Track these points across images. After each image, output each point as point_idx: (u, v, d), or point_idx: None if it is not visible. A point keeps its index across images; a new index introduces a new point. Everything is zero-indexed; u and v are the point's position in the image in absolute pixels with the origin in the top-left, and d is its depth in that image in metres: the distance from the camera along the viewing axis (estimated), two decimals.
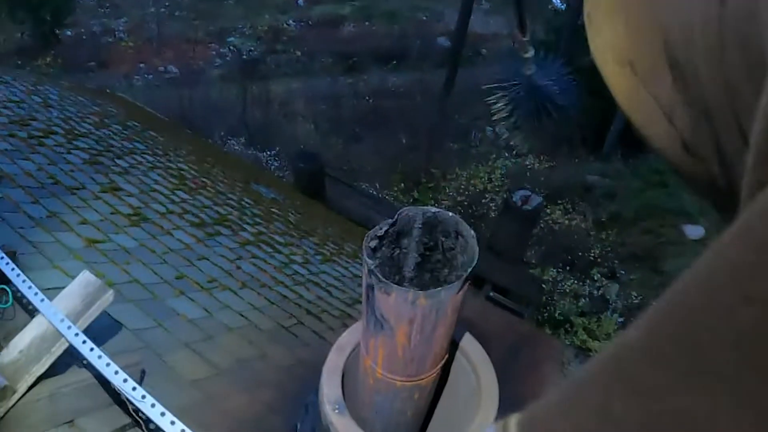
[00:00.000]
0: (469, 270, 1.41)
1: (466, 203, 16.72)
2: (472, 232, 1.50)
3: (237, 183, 8.57)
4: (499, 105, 1.40)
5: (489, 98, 1.40)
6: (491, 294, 12.01)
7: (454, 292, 1.40)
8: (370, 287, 1.43)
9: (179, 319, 4.00)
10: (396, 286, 1.36)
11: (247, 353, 3.96)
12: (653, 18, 0.59)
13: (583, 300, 14.12)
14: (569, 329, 12.83)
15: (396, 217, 1.54)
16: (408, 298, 1.37)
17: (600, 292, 14.49)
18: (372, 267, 1.40)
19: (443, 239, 1.56)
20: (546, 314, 13.07)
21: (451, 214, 1.54)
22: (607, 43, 0.66)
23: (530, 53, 1.51)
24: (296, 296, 5.23)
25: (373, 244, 1.52)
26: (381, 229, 1.53)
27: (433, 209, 1.54)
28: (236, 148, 18.37)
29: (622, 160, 18.40)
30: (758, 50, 0.44)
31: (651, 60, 0.60)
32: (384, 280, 1.37)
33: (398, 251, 1.61)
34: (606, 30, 0.67)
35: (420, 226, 1.55)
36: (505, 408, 5.03)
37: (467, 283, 1.43)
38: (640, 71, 0.62)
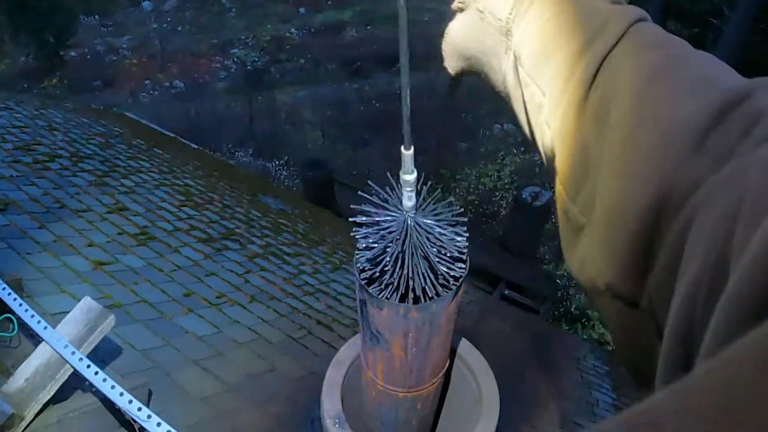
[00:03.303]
0: (460, 281, 1.41)
1: (476, 202, 16.66)
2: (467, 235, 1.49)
3: (244, 196, 8.57)
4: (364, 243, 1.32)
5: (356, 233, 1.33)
6: (506, 292, 11.97)
7: (446, 303, 1.39)
8: (363, 302, 1.43)
9: (188, 337, 4.00)
10: (387, 300, 1.36)
11: (256, 367, 3.96)
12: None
13: None
14: (586, 323, 12.73)
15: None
16: (400, 312, 1.36)
17: None
18: (362, 283, 1.40)
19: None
20: (562, 309, 12.98)
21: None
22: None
23: (411, 177, 1.37)
24: (306, 307, 5.22)
25: (363, 258, 1.51)
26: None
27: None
28: (244, 159, 18.35)
29: None
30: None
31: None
32: (375, 295, 1.37)
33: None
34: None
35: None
36: (519, 406, 5.02)
37: (459, 293, 1.43)
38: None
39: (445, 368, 1.71)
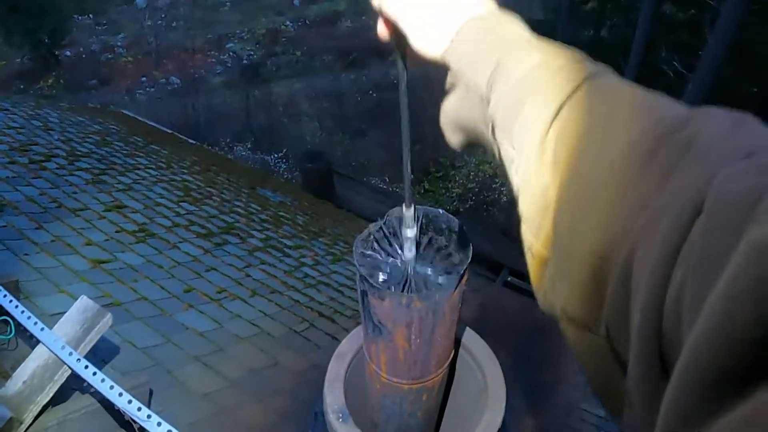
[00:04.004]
0: (464, 268, 1.37)
1: (476, 190, 16.66)
2: (464, 227, 1.46)
3: (243, 189, 8.54)
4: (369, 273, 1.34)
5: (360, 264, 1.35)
6: (509, 279, 11.96)
7: (450, 292, 1.35)
8: (364, 293, 1.39)
9: (189, 333, 3.97)
10: (388, 290, 1.33)
11: (259, 362, 3.94)
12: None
13: None
14: None
15: (384, 218, 1.50)
16: (402, 302, 1.32)
17: None
18: (363, 272, 1.36)
19: (437, 237, 1.52)
20: None
21: (441, 210, 1.49)
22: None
23: (412, 233, 1.40)
24: (308, 299, 5.20)
25: (362, 248, 1.48)
26: (371, 231, 1.49)
27: (423, 207, 1.49)
28: (243, 153, 18.35)
29: None
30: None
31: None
32: (376, 285, 1.33)
33: (394, 252, 1.56)
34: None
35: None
36: (524, 393, 4.99)
37: (462, 282, 1.39)
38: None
39: (450, 359, 1.67)
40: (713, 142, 0.56)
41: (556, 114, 0.69)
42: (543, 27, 21.12)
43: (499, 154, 0.85)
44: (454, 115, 0.97)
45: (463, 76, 0.88)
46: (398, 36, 0.97)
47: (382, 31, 1.01)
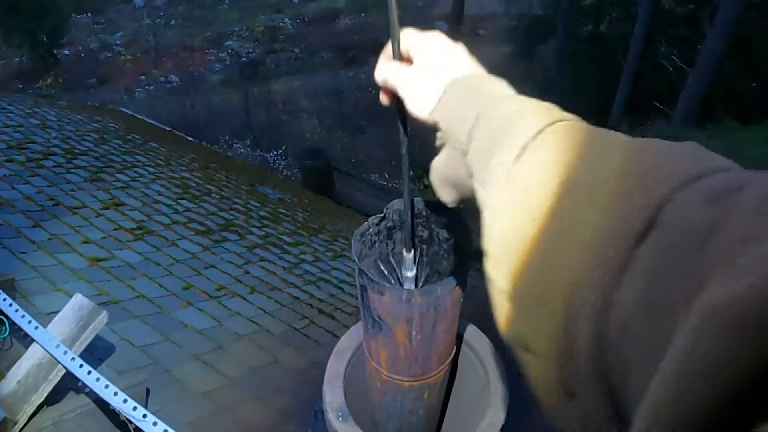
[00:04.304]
0: (467, 262, 1.34)
1: None
2: (466, 220, 1.43)
3: (242, 186, 8.52)
4: None
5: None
6: None
7: (451, 287, 1.32)
8: (363, 288, 1.35)
9: (187, 331, 3.95)
10: (388, 285, 1.29)
11: (258, 360, 3.91)
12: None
13: None
14: None
15: (384, 211, 1.47)
16: (402, 297, 1.29)
17: None
18: (362, 267, 1.33)
19: (438, 230, 1.49)
20: None
21: (443, 203, 1.46)
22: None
23: (412, 274, 1.39)
24: (308, 296, 5.18)
25: (361, 242, 1.45)
26: (369, 225, 1.46)
27: (424, 199, 1.46)
28: (242, 151, 18.36)
29: (630, 129, 18.30)
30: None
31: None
32: (375, 280, 1.29)
33: (393, 246, 1.54)
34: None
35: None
36: (526, 392, 5.00)
37: (466, 276, 1.36)
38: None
39: (452, 355, 1.64)
40: (661, 162, 0.57)
41: (525, 147, 0.71)
42: (542, 23, 21.16)
43: (479, 202, 0.86)
44: (443, 172, 1.01)
45: (448, 133, 0.93)
46: (398, 101, 1.07)
47: (383, 98, 1.11)
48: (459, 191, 1.00)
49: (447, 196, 1.05)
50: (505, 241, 0.70)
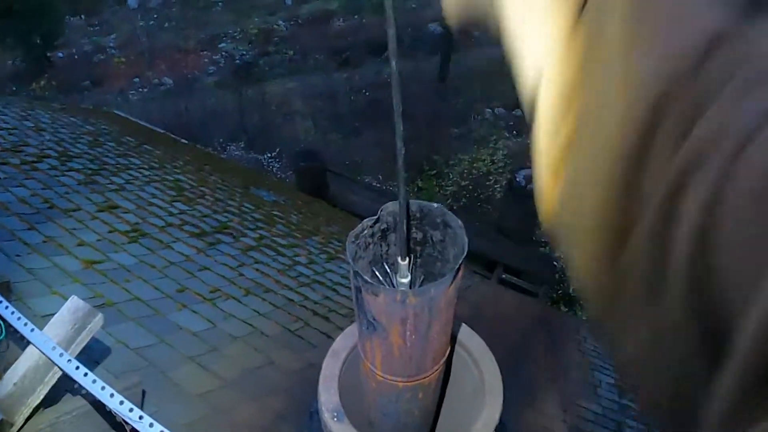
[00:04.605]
0: (459, 262, 1.35)
1: (470, 187, 16.71)
2: (460, 222, 1.43)
3: (236, 189, 8.52)
4: None
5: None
6: (504, 276, 12.01)
7: (445, 287, 1.33)
8: (358, 289, 1.36)
9: (182, 333, 3.95)
10: (382, 286, 1.31)
11: (253, 361, 3.92)
12: None
13: None
14: (584, 304, 12.76)
15: (378, 213, 1.48)
16: (397, 298, 1.30)
17: None
18: (356, 269, 1.34)
19: (431, 232, 1.50)
20: (560, 291, 13.02)
21: (436, 204, 1.47)
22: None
23: (406, 280, 1.39)
24: (302, 298, 5.18)
25: (356, 244, 1.46)
26: (364, 227, 1.47)
27: (417, 201, 1.47)
28: (236, 153, 18.38)
29: None
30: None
31: None
32: (369, 281, 1.30)
33: (387, 248, 1.55)
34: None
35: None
36: (521, 390, 4.99)
37: (458, 276, 1.37)
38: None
39: (446, 355, 1.65)
40: None
41: None
42: None
43: (504, 32, 0.72)
44: None
45: None
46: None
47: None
48: (469, 6, 0.84)
49: (454, 13, 0.87)
50: (566, 95, 0.59)
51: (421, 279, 1.57)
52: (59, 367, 2.44)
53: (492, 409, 1.72)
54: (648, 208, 0.47)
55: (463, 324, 1.90)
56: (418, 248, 1.54)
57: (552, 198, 0.63)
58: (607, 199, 0.51)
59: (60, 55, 26.85)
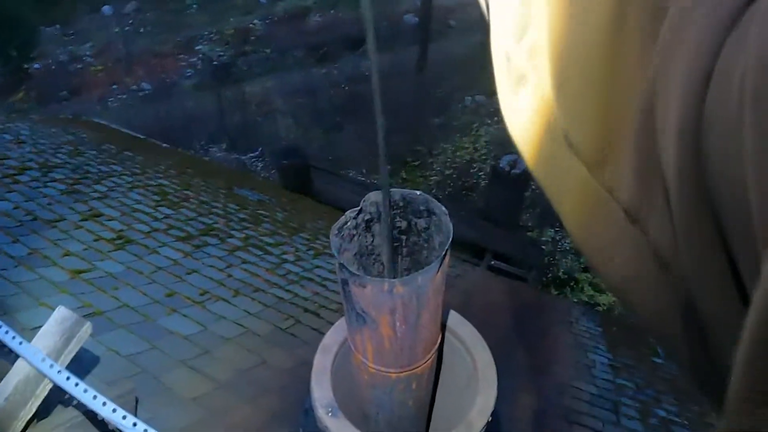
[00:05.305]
0: (445, 249, 1.34)
1: (454, 176, 16.71)
2: (444, 208, 1.43)
3: (220, 190, 8.50)
4: None
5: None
6: (493, 263, 12.03)
7: (432, 275, 1.32)
8: (345, 282, 1.36)
9: (174, 338, 3.94)
10: (369, 277, 1.30)
11: (246, 362, 3.91)
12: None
13: None
14: (574, 286, 12.82)
15: (361, 204, 1.47)
16: (384, 288, 1.30)
17: None
18: (342, 261, 1.33)
19: (416, 220, 1.50)
20: (550, 275, 13.05)
21: (419, 192, 1.46)
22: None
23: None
24: (292, 296, 5.18)
25: (340, 236, 1.46)
26: (347, 219, 1.47)
27: (400, 190, 1.47)
28: (218, 154, 18.33)
29: None
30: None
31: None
32: (356, 273, 1.30)
33: (372, 239, 1.54)
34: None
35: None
36: (516, 375, 5.00)
37: (444, 263, 1.36)
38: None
39: (438, 344, 1.65)
40: None
41: None
42: None
43: None
44: None
45: None
46: None
47: None
48: None
49: None
50: None
51: (407, 266, 1.56)
52: (50, 379, 2.43)
53: (487, 396, 1.72)
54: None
55: (453, 311, 1.89)
56: (404, 237, 1.53)
57: (511, 108, 0.58)
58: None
59: (37, 66, 26.68)
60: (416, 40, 22.08)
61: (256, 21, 28.66)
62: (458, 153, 17.56)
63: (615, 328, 7.55)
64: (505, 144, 16.80)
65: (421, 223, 1.49)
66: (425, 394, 1.83)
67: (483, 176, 16.34)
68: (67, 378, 2.39)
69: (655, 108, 0.40)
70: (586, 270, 13.17)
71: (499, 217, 13.06)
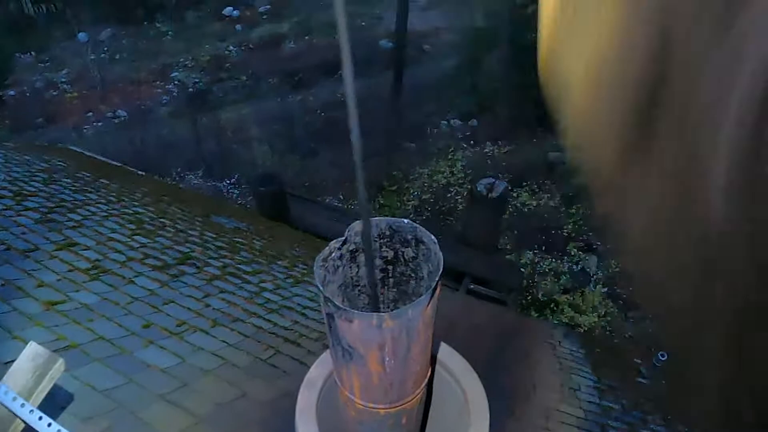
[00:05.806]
0: (436, 279, 1.29)
1: (432, 200, 16.79)
2: (432, 237, 1.38)
3: (197, 218, 8.45)
4: None
5: None
6: (472, 286, 12.04)
7: (423, 307, 1.26)
8: (330, 316, 1.30)
9: (151, 371, 3.86)
10: (356, 311, 1.23)
11: (226, 395, 3.84)
12: None
13: (564, 277, 14.15)
14: (555, 309, 12.91)
15: (346, 234, 1.41)
16: (373, 323, 1.24)
17: (579, 266, 14.53)
18: (327, 294, 1.27)
19: (402, 249, 1.44)
20: (529, 298, 13.14)
21: (406, 221, 1.41)
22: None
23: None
24: (271, 325, 5.12)
25: (324, 268, 1.39)
26: (331, 249, 1.41)
27: (386, 219, 1.41)
28: (195, 182, 18.33)
29: None
30: None
31: None
32: (342, 306, 1.23)
33: (357, 270, 1.48)
34: None
35: (374, 238, 1.43)
36: (501, 401, 4.95)
37: (435, 294, 1.30)
38: None
39: (428, 377, 1.59)
40: None
41: None
42: (487, 34, 21.40)
43: None
44: None
45: None
46: None
47: None
48: None
49: None
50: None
51: (395, 298, 1.51)
52: (22, 419, 2.35)
53: (478, 428, 1.67)
54: None
55: (443, 343, 1.84)
56: (390, 267, 1.48)
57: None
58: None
59: (11, 93, 26.63)
60: (391, 65, 22.19)
61: (231, 48, 28.77)
62: (435, 177, 17.65)
63: (598, 350, 7.57)
64: (482, 167, 16.89)
65: (409, 252, 1.44)
66: (414, 429, 1.78)
67: (460, 200, 16.43)
68: (40, 418, 2.32)
69: None
70: (566, 291, 13.25)
71: (477, 240, 13.11)
